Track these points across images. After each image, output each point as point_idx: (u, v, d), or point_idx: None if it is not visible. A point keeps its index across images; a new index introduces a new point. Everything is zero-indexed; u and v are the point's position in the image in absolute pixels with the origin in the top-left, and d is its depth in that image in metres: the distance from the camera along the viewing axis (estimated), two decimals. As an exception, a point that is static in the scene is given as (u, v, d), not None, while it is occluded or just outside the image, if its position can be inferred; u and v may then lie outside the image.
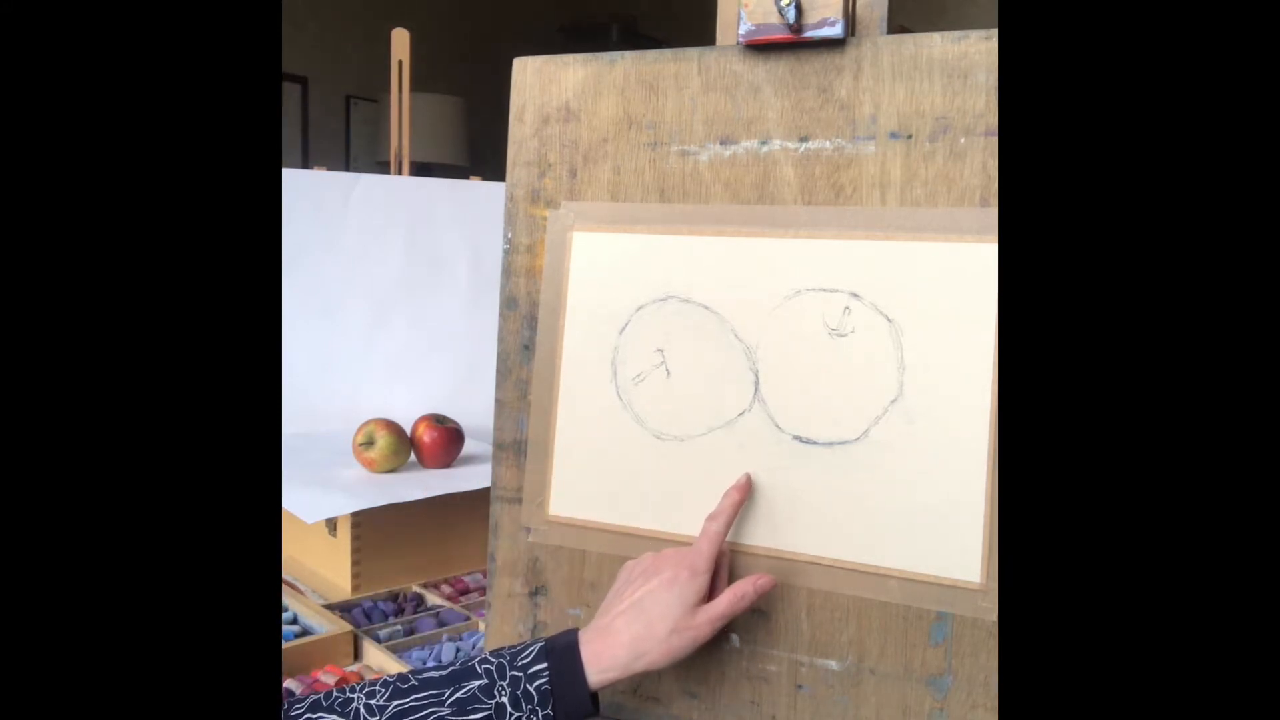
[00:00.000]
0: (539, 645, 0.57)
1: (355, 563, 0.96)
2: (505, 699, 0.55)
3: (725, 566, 0.65)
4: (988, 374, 0.60)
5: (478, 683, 0.55)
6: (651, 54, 0.71)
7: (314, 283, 1.26)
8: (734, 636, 0.67)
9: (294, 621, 0.90)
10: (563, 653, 0.57)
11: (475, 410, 1.16)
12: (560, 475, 0.72)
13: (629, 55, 0.72)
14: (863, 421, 0.63)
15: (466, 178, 1.35)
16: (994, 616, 0.59)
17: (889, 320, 0.63)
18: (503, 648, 0.58)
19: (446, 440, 1.09)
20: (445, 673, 0.56)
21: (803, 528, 0.65)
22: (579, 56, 0.73)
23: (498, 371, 0.75)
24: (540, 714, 0.55)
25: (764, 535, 0.66)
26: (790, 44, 0.65)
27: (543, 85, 0.74)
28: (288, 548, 1.07)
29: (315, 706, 0.54)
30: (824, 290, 0.65)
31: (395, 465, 1.06)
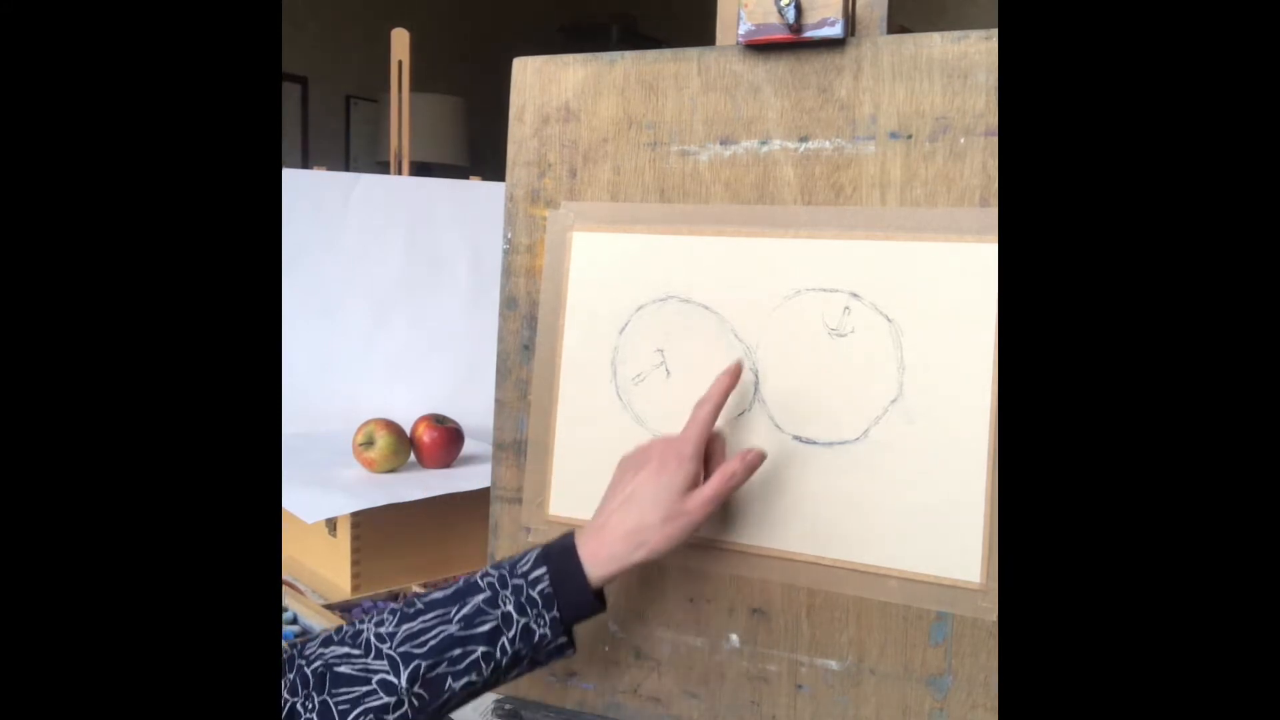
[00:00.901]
0: (536, 551, 0.59)
1: (355, 563, 0.96)
2: (510, 607, 0.56)
3: (721, 452, 0.64)
4: (988, 374, 0.60)
5: (481, 596, 0.56)
6: (651, 54, 0.71)
7: (314, 283, 1.26)
8: (734, 636, 0.67)
9: (294, 621, 0.90)
10: (560, 555, 0.58)
11: (475, 410, 1.16)
12: (560, 475, 0.72)
13: (629, 55, 0.72)
14: (862, 421, 0.63)
15: (466, 178, 1.35)
16: (994, 616, 0.59)
17: (889, 320, 0.63)
18: (502, 560, 0.60)
19: (446, 440, 1.09)
20: (449, 592, 0.57)
21: (803, 528, 0.65)
22: (579, 56, 0.73)
23: (498, 371, 0.75)
24: (546, 617, 0.57)
25: (764, 535, 0.66)
26: (790, 44, 0.65)
27: (543, 85, 0.74)
28: (288, 548, 1.07)
29: (327, 641, 0.55)
30: (824, 290, 0.65)
31: (395, 465, 1.06)
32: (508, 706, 0.74)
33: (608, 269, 0.71)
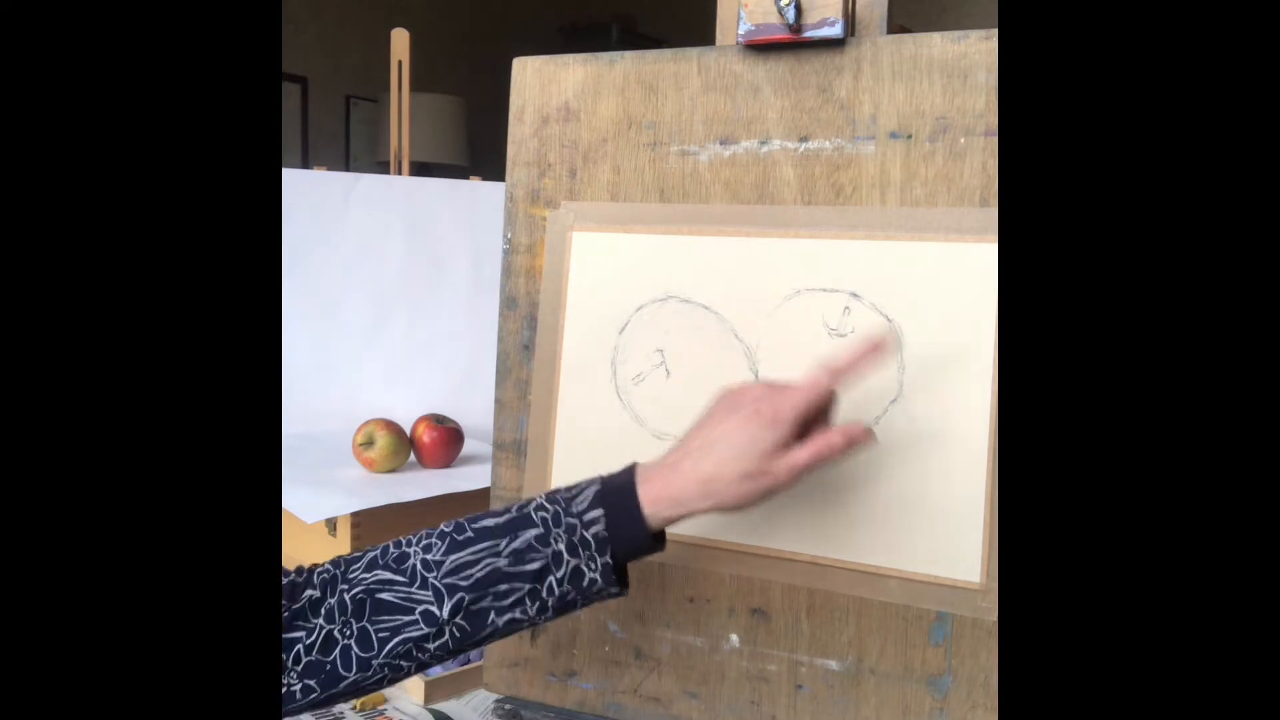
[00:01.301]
0: (594, 489, 0.55)
1: (355, 563, 0.96)
2: (562, 546, 0.53)
3: (823, 420, 0.57)
4: (988, 374, 0.60)
5: (533, 531, 0.54)
6: (651, 54, 0.71)
7: (314, 282, 1.26)
8: (734, 636, 0.67)
9: (294, 621, 0.90)
10: (618, 496, 0.54)
11: (475, 410, 1.16)
12: (560, 475, 0.72)
13: (629, 55, 0.72)
14: (863, 421, 0.63)
15: (466, 178, 1.35)
16: (994, 616, 0.59)
17: (889, 320, 0.63)
18: (558, 490, 0.56)
19: (446, 440, 1.09)
20: (502, 520, 0.55)
21: (802, 528, 0.65)
22: (578, 56, 0.73)
23: (498, 371, 0.75)
24: (599, 561, 0.53)
25: (764, 535, 0.66)
26: (790, 44, 0.65)
27: (542, 85, 0.74)
28: (287, 547, 1.07)
29: (371, 565, 0.53)
30: (824, 290, 0.65)
31: (395, 465, 1.06)
32: (508, 706, 0.74)
33: (608, 269, 0.71)
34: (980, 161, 0.61)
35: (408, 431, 1.09)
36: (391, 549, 0.54)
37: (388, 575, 0.52)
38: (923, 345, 0.62)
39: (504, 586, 0.53)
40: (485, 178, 1.35)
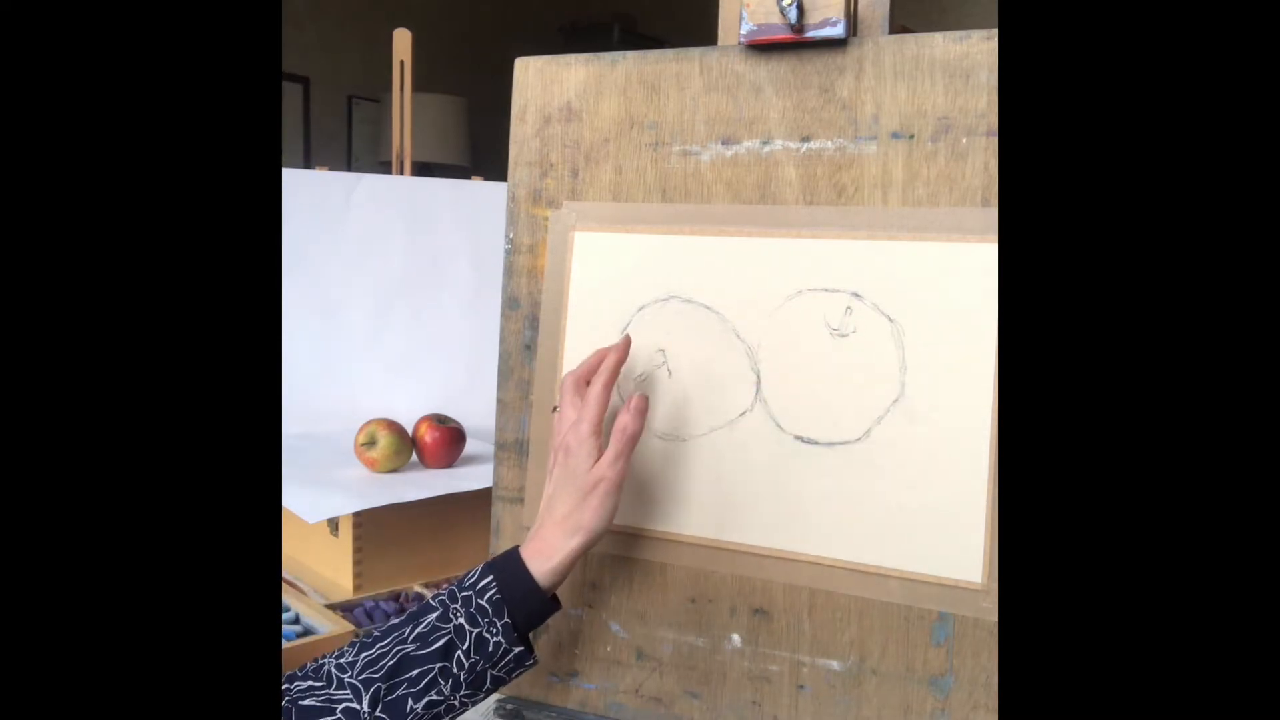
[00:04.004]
0: (482, 565, 0.60)
1: (357, 562, 0.96)
2: (462, 619, 0.57)
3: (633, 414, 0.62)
4: (989, 374, 0.60)
5: (434, 614, 0.58)
6: (653, 54, 0.71)
7: (316, 282, 1.26)
8: (735, 637, 0.67)
9: (296, 621, 0.90)
10: (504, 562, 0.60)
11: (476, 410, 1.16)
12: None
13: (631, 55, 0.72)
14: (864, 421, 0.63)
15: (468, 177, 1.35)
16: (995, 617, 0.59)
17: (890, 320, 0.63)
18: (453, 579, 0.61)
19: (448, 440, 1.09)
20: (404, 616, 0.59)
21: (804, 527, 0.65)
22: (580, 56, 0.73)
23: (499, 372, 0.75)
24: (498, 624, 0.57)
25: (764, 535, 0.66)
26: (792, 44, 0.65)
27: (544, 85, 0.74)
28: (289, 547, 1.07)
29: (290, 678, 0.56)
30: (825, 290, 0.65)
31: (397, 465, 1.07)
32: (509, 706, 0.74)
33: (610, 269, 0.71)
34: (982, 161, 0.61)
35: (409, 431, 1.09)
36: (309, 663, 0.57)
37: (307, 684, 0.55)
38: (924, 345, 0.62)
39: (415, 671, 0.56)
40: (486, 178, 1.35)
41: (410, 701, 0.55)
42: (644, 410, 0.62)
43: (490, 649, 0.57)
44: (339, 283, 1.27)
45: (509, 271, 0.75)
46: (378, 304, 1.29)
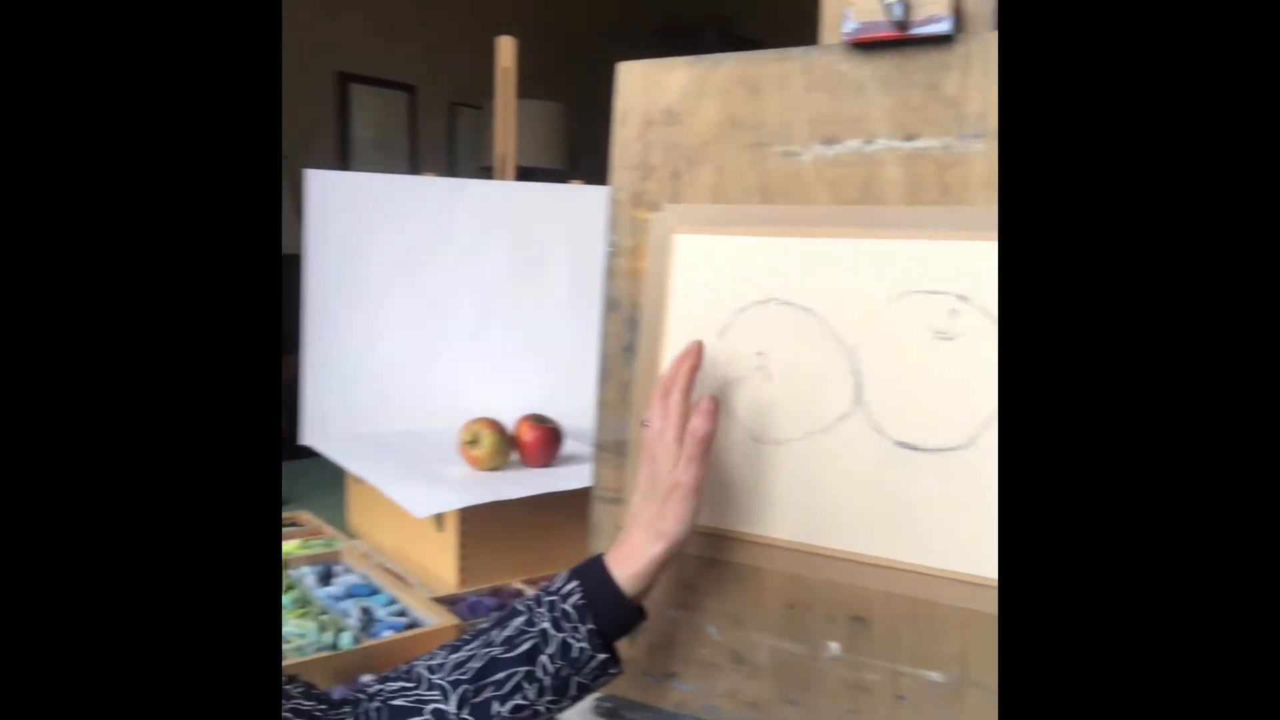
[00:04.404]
0: (567, 571, 0.61)
1: (463, 557, 0.99)
2: (546, 624, 0.58)
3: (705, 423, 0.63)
4: (1105, 380, 0.57)
5: (520, 618, 0.59)
6: (755, 55, 0.71)
7: (423, 285, 1.30)
8: (833, 644, 0.66)
9: (402, 614, 0.93)
10: (589, 568, 0.61)
11: (574, 411, 1.18)
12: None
13: (732, 57, 0.72)
14: (970, 427, 0.61)
15: (565, 181, 1.37)
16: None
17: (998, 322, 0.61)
18: (541, 584, 0.62)
19: (547, 440, 1.11)
20: (491, 620, 0.60)
21: (904, 535, 0.63)
22: (682, 60, 0.74)
23: (600, 373, 0.76)
24: (582, 629, 0.58)
25: (864, 542, 0.65)
26: (896, 41, 0.64)
27: (646, 89, 0.75)
28: (393, 540, 1.11)
29: (384, 679, 0.57)
30: (930, 292, 0.63)
31: (499, 464, 1.09)
32: (608, 705, 0.75)
33: (709, 271, 0.71)
34: (1099, 159, 0.58)
35: (511, 431, 1.11)
36: (401, 666, 0.59)
37: (398, 685, 0.56)
38: (1035, 349, 0.60)
39: (501, 674, 0.56)
40: (584, 181, 1.37)
41: (496, 704, 0.56)
42: (713, 412, 0.62)
43: (574, 655, 0.58)
44: (444, 285, 1.31)
45: (610, 274, 0.76)
46: (481, 306, 1.32)
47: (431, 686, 0.56)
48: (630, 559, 0.60)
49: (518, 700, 0.56)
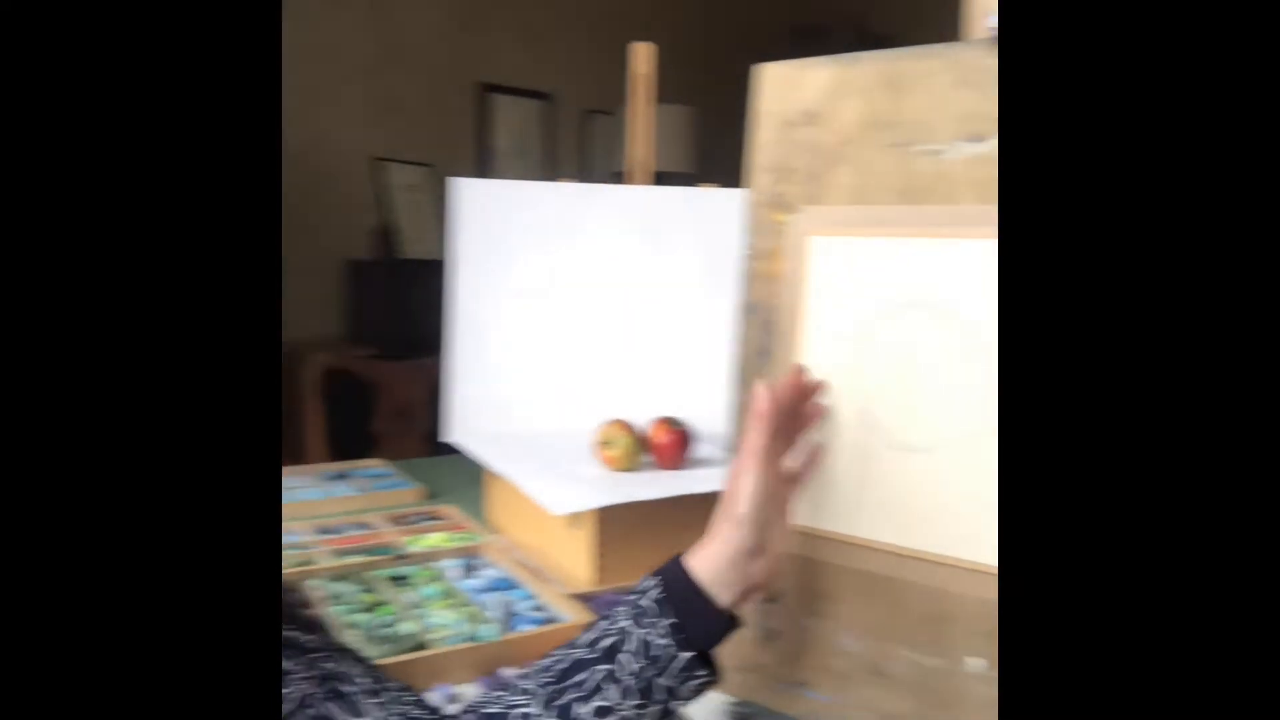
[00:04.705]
0: (649, 574, 0.61)
1: (600, 555, 1.01)
2: (627, 622, 0.57)
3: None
4: None
5: (604, 620, 0.59)
6: (897, 52, 0.69)
7: (562, 288, 1.33)
8: (976, 660, 0.64)
9: (539, 609, 0.95)
10: (668, 565, 0.60)
11: (706, 414, 1.18)
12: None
13: (872, 55, 0.70)
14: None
15: (695, 184, 1.38)
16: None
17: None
18: None
19: (679, 442, 1.12)
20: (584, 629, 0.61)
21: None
22: (821, 59, 0.73)
23: (735, 377, 0.76)
24: (662, 623, 0.57)
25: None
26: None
27: (784, 90, 0.74)
28: (532, 537, 1.14)
29: (485, 693, 0.59)
30: (1087, 295, 0.60)
31: (632, 465, 1.11)
32: (742, 710, 0.74)
33: (848, 274, 0.70)
34: None
35: (643, 432, 1.12)
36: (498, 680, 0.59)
37: (495, 694, 0.57)
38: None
39: (583, 675, 0.56)
40: (714, 184, 1.37)
41: (577, 706, 0.55)
42: (765, 409, 0.63)
43: (655, 653, 0.56)
44: (581, 288, 1.34)
45: (746, 277, 0.76)
46: (616, 308, 1.35)
47: (520, 692, 0.56)
48: (705, 553, 0.60)
49: (599, 702, 0.55)
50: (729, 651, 0.76)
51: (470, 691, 0.80)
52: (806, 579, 0.72)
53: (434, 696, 0.80)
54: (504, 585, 1.01)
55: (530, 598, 0.98)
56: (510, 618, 0.92)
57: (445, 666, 0.81)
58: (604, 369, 1.34)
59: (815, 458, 0.68)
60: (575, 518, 1.03)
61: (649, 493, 1.00)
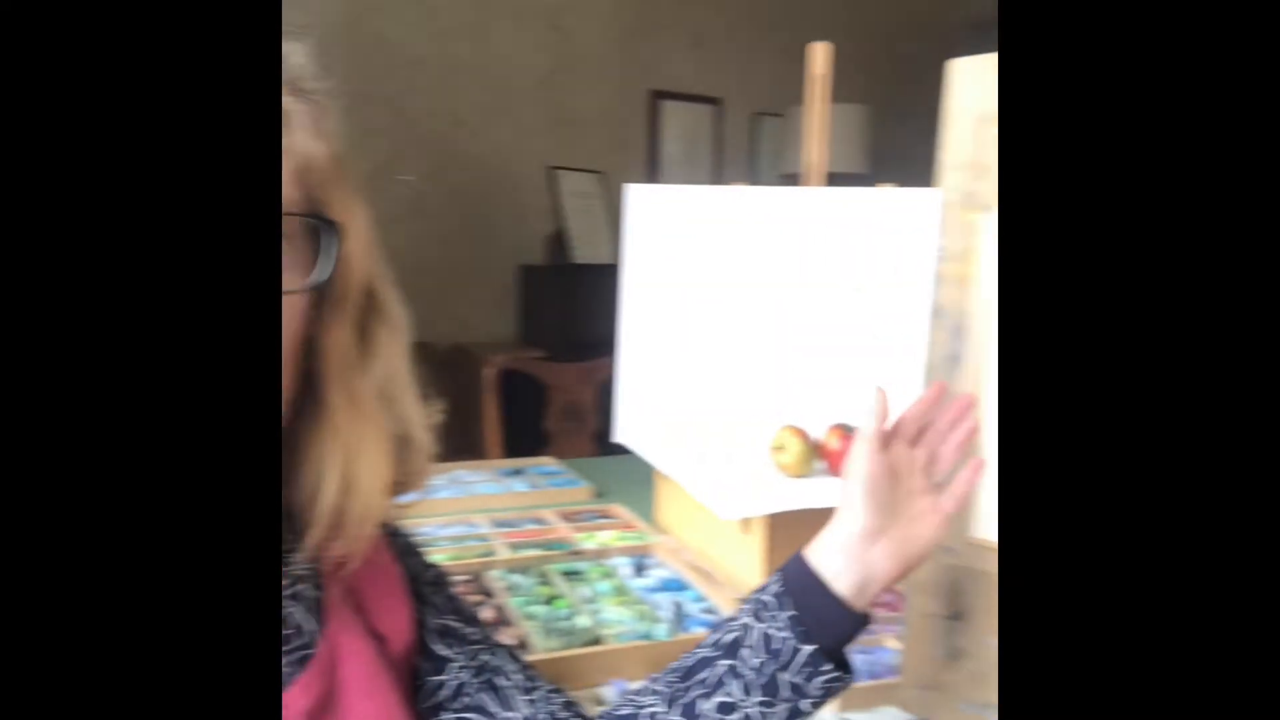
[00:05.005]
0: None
1: (769, 561, 1.00)
2: (749, 618, 0.56)
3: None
4: None
5: (729, 619, 0.58)
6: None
7: (734, 291, 1.33)
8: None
9: (711, 611, 0.95)
10: (790, 561, 0.59)
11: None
12: (986, 497, 0.68)
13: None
14: None
15: (869, 185, 1.34)
16: None
17: None
18: None
19: (855, 450, 1.09)
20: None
21: None
22: (1021, 51, 0.69)
23: (924, 382, 0.73)
24: (781, 616, 0.55)
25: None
26: None
27: (978, 85, 0.71)
28: (701, 539, 1.15)
29: (622, 696, 0.59)
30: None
31: (805, 472, 1.09)
32: (922, 729, 0.71)
33: (1049, 277, 0.66)
34: None
35: (818, 438, 1.10)
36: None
37: (630, 697, 0.57)
38: None
39: (707, 671, 0.55)
40: (888, 184, 1.33)
41: (701, 702, 0.54)
42: (879, 409, 0.63)
43: (776, 646, 0.54)
44: (754, 291, 1.33)
45: (937, 280, 0.73)
46: (791, 311, 1.33)
47: (650, 693, 0.56)
48: (819, 541, 0.59)
49: (721, 697, 0.54)
50: (911, 668, 0.74)
51: (643, 689, 0.81)
52: (996, 598, 0.68)
53: (608, 691, 0.81)
54: (675, 586, 1.02)
55: (701, 599, 0.98)
56: (682, 618, 0.93)
57: (620, 663, 0.83)
58: (776, 373, 1.32)
59: (974, 471, 0.64)
60: (746, 522, 1.02)
61: (823, 500, 0.98)
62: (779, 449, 1.09)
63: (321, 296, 0.48)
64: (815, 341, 1.32)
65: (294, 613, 0.50)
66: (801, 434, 1.09)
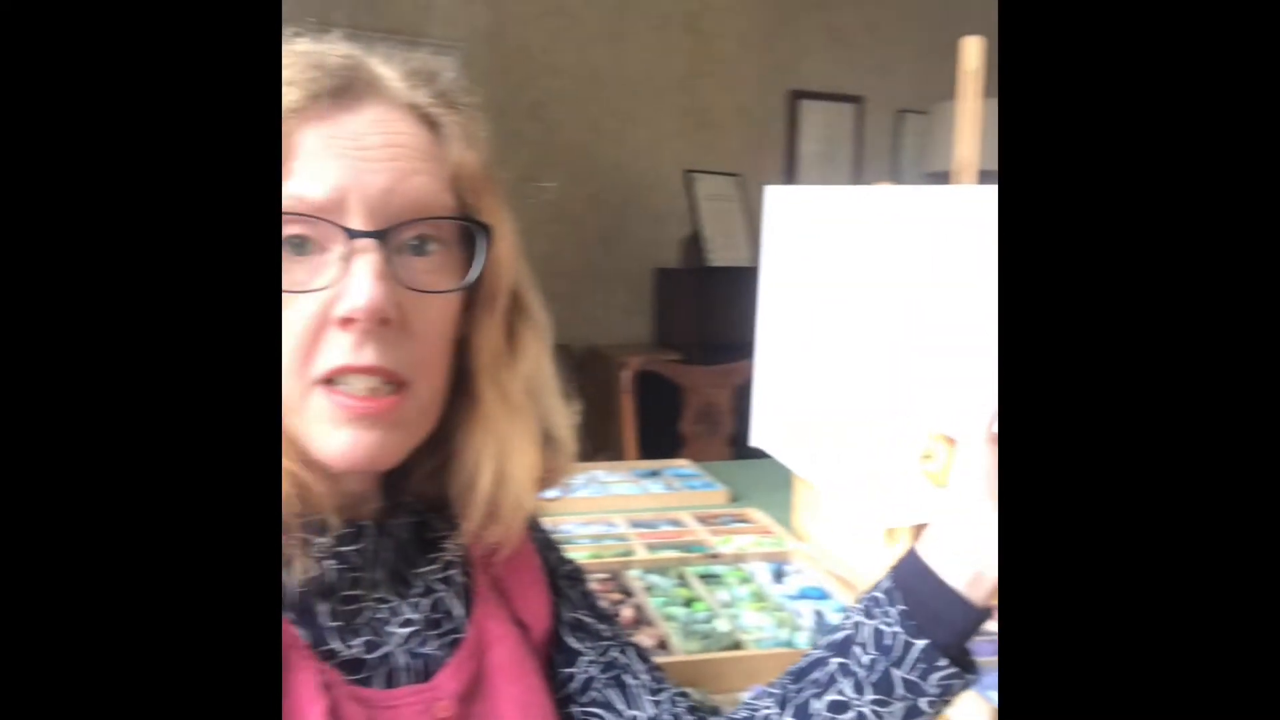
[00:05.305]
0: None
1: (914, 574, 0.96)
2: (861, 616, 0.55)
3: None
4: None
5: (843, 617, 0.57)
6: None
7: (878, 294, 1.29)
8: None
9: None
10: (904, 556, 0.57)
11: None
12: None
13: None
14: None
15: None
16: None
17: None
18: None
19: (1008, 460, 1.04)
20: None
21: None
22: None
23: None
24: (893, 611, 0.53)
25: None
26: None
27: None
28: (843, 548, 1.12)
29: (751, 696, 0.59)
30: None
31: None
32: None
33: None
34: None
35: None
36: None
37: (747, 700, 0.58)
38: None
39: (818, 671, 0.54)
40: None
41: (814, 702, 0.54)
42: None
43: (888, 642, 0.52)
44: (900, 293, 1.29)
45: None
46: (942, 315, 1.28)
47: (766, 696, 0.56)
48: (932, 532, 0.57)
49: (833, 696, 0.53)
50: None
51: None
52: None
53: (748, 696, 0.80)
54: (815, 594, 1.00)
55: (842, 609, 0.96)
56: (824, 628, 0.91)
57: (761, 669, 0.82)
58: (921, 378, 1.28)
59: None
60: (892, 532, 0.99)
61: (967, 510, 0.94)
62: (928, 457, 1.05)
63: (473, 297, 0.51)
64: (966, 345, 1.27)
65: (444, 597, 0.53)
66: (953, 443, 1.05)
